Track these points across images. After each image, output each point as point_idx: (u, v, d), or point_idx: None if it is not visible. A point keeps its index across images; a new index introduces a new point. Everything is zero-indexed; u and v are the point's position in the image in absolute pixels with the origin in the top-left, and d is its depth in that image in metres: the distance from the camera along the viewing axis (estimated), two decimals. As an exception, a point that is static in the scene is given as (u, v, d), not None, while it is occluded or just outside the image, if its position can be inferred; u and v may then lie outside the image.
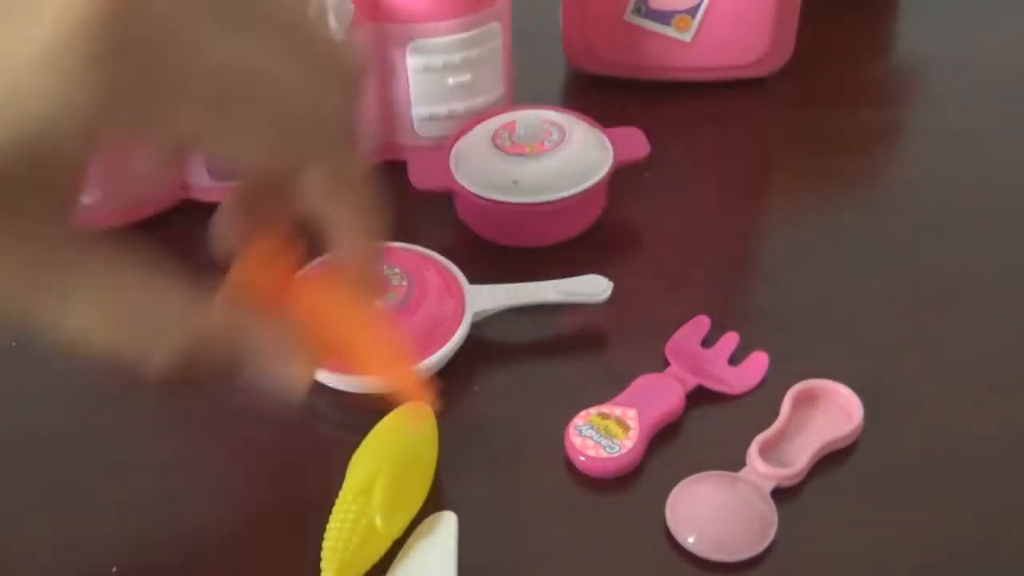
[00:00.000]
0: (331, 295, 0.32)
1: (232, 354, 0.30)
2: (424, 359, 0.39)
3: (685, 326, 0.42)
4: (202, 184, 0.47)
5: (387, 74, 0.48)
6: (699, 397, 0.39)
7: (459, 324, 0.40)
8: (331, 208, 0.30)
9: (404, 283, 0.40)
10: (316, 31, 0.29)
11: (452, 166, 0.46)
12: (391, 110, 0.49)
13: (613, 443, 0.36)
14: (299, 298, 0.32)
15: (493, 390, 0.39)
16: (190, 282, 0.28)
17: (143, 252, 0.28)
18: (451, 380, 0.39)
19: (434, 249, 0.43)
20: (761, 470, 0.35)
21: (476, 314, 0.41)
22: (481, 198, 0.44)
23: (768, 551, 0.34)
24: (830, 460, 0.37)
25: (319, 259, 0.42)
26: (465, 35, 0.46)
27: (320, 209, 0.30)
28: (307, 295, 0.32)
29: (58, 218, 0.27)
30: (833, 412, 0.38)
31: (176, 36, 0.25)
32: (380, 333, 0.33)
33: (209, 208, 0.48)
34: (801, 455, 0.36)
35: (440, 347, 0.39)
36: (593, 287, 0.42)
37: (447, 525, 0.33)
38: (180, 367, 0.28)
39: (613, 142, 0.47)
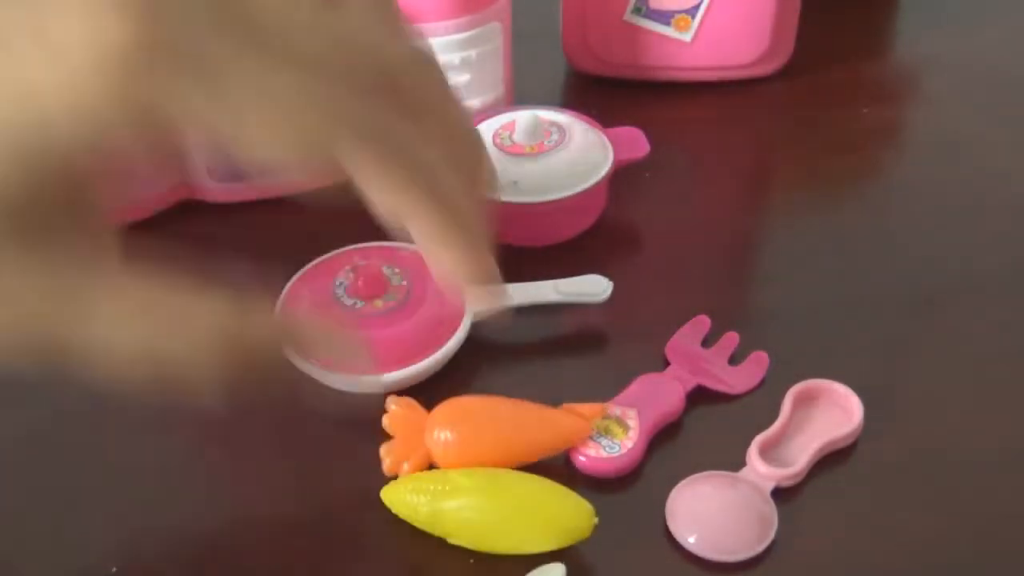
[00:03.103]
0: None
1: (279, 358, 0.28)
2: (424, 359, 0.39)
3: (685, 326, 0.42)
4: (202, 184, 0.47)
5: (387, 74, 0.48)
6: (699, 397, 0.39)
7: (459, 324, 0.40)
8: (395, 202, 0.26)
9: (404, 283, 0.40)
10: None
11: (452, 166, 0.46)
12: (391, 110, 0.49)
13: (613, 443, 0.36)
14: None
15: (493, 390, 0.39)
16: (226, 285, 0.27)
17: (175, 261, 0.27)
18: (451, 380, 0.39)
19: (434, 249, 0.43)
20: (761, 470, 0.35)
21: (476, 313, 0.41)
22: (481, 198, 0.44)
23: (768, 551, 0.34)
24: (830, 460, 0.37)
25: (317, 260, 0.42)
26: (465, 35, 0.46)
27: (385, 205, 0.27)
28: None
29: (86, 235, 0.26)
30: (833, 412, 0.38)
31: (201, 49, 0.24)
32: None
33: (209, 208, 0.49)
34: (801, 455, 0.36)
35: (440, 346, 0.39)
36: (593, 287, 0.42)
37: None
38: (226, 377, 0.27)
39: (613, 142, 0.46)
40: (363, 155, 0.25)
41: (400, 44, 0.27)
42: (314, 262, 0.43)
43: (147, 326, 0.26)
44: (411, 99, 0.27)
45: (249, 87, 0.24)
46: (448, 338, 0.39)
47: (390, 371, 0.38)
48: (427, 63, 0.28)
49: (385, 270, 0.40)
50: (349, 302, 0.40)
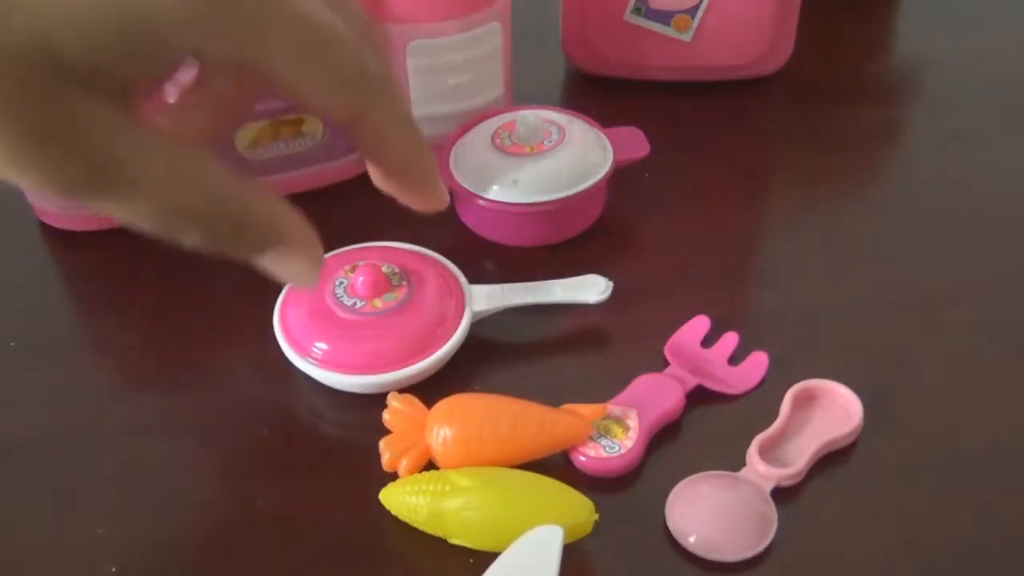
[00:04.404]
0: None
1: (263, 239, 0.32)
2: (425, 358, 0.39)
3: (685, 326, 0.42)
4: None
5: (387, 74, 0.48)
6: (699, 397, 0.39)
7: (459, 324, 0.40)
8: (386, 144, 0.33)
9: (404, 283, 0.40)
10: None
11: (452, 166, 0.46)
12: (391, 110, 0.49)
13: (613, 443, 0.36)
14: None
15: (493, 390, 0.39)
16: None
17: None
18: (451, 380, 0.39)
19: (434, 249, 0.43)
20: (761, 470, 0.35)
21: (476, 314, 0.41)
22: (481, 198, 0.44)
23: (768, 551, 0.34)
24: (830, 460, 0.37)
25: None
26: (465, 35, 0.46)
27: (375, 144, 0.33)
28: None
29: (128, 103, 0.29)
30: (833, 412, 0.38)
31: None
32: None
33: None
34: (801, 455, 0.36)
35: (440, 346, 0.39)
36: (593, 287, 0.42)
37: (552, 539, 0.31)
38: (214, 242, 0.31)
39: (613, 142, 0.46)
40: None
41: None
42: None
43: (164, 195, 0.29)
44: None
45: (308, 28, 0.29)
46: (448, 338, 0.39)
47: (390, 371, 0.38)
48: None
49: (385, 270, 0.40)
50: (349, 302, 0.40)
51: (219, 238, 0.31)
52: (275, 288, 0.42)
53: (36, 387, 0.41)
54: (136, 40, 0.27)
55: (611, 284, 0.42)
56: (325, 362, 0.39)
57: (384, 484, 0.35)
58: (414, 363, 0.39)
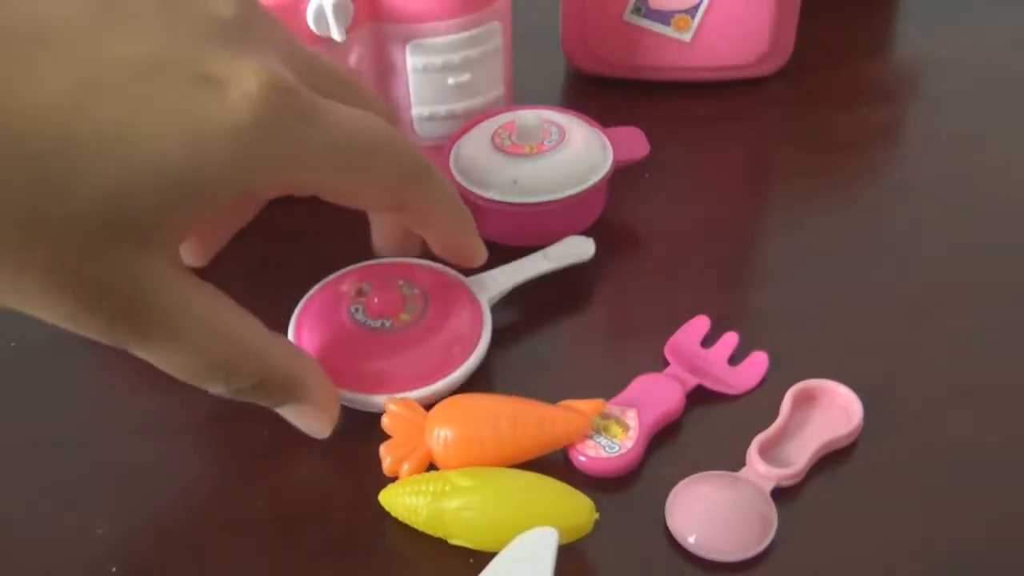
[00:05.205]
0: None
1: (284, 395, 0.34)
2: (452, 373, 0.38)
3: (685, 326, 0.42)
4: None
5: (387, 74, 0.48)
6: (699, 397, 0.39)
7: (480, 334, 0.40)
8: (434, 222, 0.36)
9: (416, 291, 0.40)
10: (365, 84, 0.36)
11: (452, 166, 0.46)
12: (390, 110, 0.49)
13: (613, 443, 0.36)
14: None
15: (491, 390, 0.39)
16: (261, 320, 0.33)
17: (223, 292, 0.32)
18: (451, 380, 0.39)
19: (434, 249, 0.43)
20: (761, 470, 0.35)
21: (490, 299, 0.41)
22: (481, 198, 0.44)
23: (768, 551, 0.34)
24: (830, 460, 0.37)
25: (320, 283, 0.42)
26: (465, 35, 0.46)
27: (423, 223, 0.36)
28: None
29: (176, 249, 0.30)
30: (833, 412, 0.38)
31: (315, 115, 0.30)
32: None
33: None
34: (801, 455, 0.36)
35: (464, 361, 0.39)
36: (578, 247, 0.43)
37: (547, 541, 0.31)
38: (238, 394, 0.32)
39: (613, 142, 0.46)
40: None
41: None
42: (310, 293, 0.41)
43: (198, 350, 0.31)
44: None
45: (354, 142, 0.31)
46: (472, 349, 0.39)
47: (416, 388, 0.38)
48: None
49: (399, 284, 0.40)
50: (376, 323, 0.39)
51: (243, 392, 0.32)
52: (278, 287, 0.42)
53: (36, 387, 0.41)
54: (197, 192, 0.28)
55: (593, 241, 0.43)
56: (369, 386, 0.38)
57: (384, 484, 0.35)
58: (443, 377, 0.38)
